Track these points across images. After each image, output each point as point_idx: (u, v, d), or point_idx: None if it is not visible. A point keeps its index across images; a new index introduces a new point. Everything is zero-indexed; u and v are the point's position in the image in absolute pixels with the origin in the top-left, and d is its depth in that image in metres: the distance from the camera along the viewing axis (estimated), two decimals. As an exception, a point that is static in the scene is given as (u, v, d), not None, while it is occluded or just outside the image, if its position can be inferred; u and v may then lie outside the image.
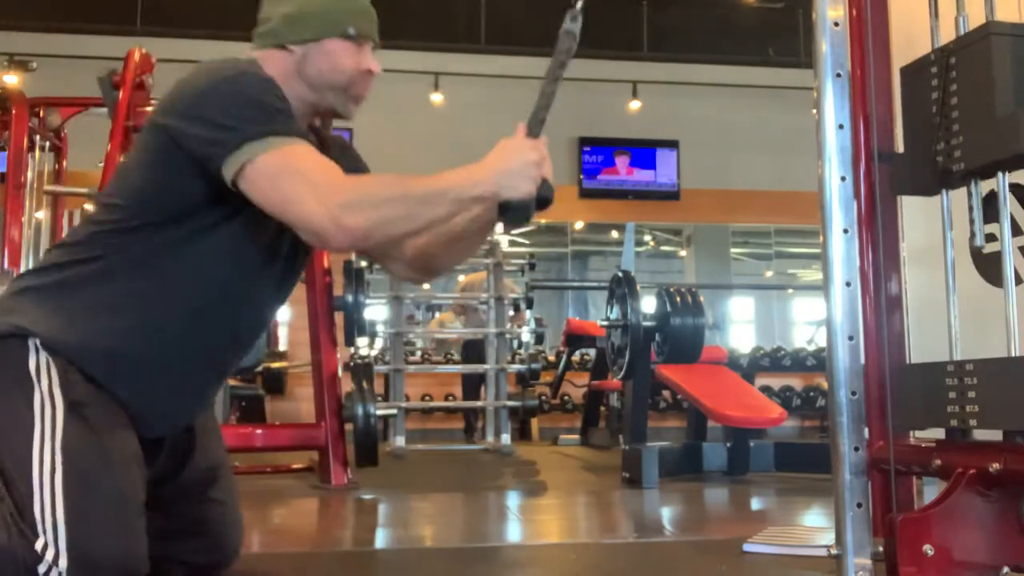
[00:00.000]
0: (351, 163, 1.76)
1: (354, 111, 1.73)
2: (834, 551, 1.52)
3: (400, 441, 5.55)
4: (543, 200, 1.54)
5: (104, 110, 4.17)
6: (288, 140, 1.48)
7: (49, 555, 1.36)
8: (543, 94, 1.58)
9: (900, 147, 1.82)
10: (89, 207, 5.27)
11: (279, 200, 1.46)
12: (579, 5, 1.57)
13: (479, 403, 6.30)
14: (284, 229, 1.56)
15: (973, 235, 1.62)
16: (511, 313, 6.19)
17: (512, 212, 1.52)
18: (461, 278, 7.71)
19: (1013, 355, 1.53)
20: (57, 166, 6.25)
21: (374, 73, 1.70)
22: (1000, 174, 1.55)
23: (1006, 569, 1.48)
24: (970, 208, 1.61)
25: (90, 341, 1.53)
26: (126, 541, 1.41)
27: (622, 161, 10.32)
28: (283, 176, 1.45)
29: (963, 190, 1.65)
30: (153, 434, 1.63)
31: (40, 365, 1.49)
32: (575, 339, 7.27)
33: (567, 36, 1.57)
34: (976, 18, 1.66)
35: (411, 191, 1.49)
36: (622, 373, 4.32)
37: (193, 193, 1.53)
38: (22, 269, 5.33)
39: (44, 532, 1.37)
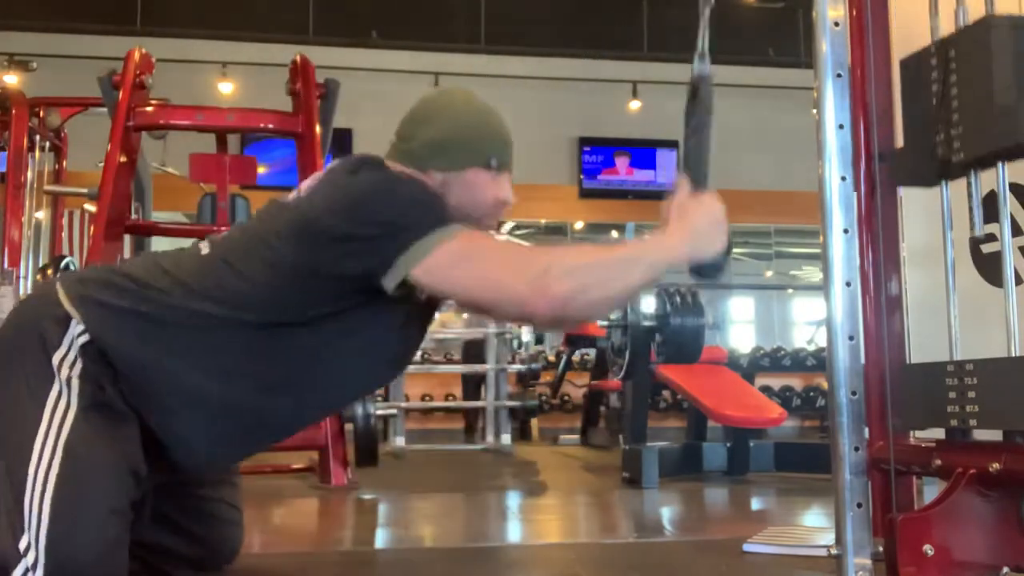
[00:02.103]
0: None
1: None
2: (834, 551, 1.52)
3: (400, 441, 5.55)
4: (729, 246, 1.54)
5: (104, 110, 4.17)
6: (462, 228, 1.47)
7: (30, 557, 1.36)
8: (698, 144, 1.55)
9: (900, 143, 1.82)
10: (89, 207, 5.27)
11: (474, 283, 1.45)
12: (703, 45, 1.53)
13: (479, 403, 6.30)
14: (420, 318, 1.58)
15: (972, 227, 1.62)
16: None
17: (706, 270, 1.52)
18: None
19: (1013, 355, 1.53)
20: (57, 166, 6.25)
21: (509, 204, 1.69)
22: (1000, 166, 1.55)
23: (1006, 569, 1.48)
24: (969, 197, 1.61)
25: (171, 379, 1.51)
26: (105, 549, 1.40)
27: (622, 161, 10.33)
28: (473, 259, 1.44)
29: (963, 191, 1.65)
30: (182, 468, 1.62)
31: (67, 359, 1.48)
32: (575, 339, 7.27)
33: (703, 81, 1.54)
34: (976, 12, 1.66)
35: (609, 258, 1.48)
36: (622, 373, 4.32)
37: (331, 295, 1.51)
38: (22, 269, 5.34)
39: (29, 529, 1.37)
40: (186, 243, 1.80)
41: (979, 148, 1.54)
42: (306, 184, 1.60)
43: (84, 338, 1.50)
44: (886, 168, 1.80)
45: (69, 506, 1.39)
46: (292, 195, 1.61)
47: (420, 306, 1.61)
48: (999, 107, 1.49)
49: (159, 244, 4.91)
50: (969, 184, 1.61)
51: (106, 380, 1.50)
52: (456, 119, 1.66)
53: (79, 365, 1.48)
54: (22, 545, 1.36)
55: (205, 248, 1.62)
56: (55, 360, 1.48)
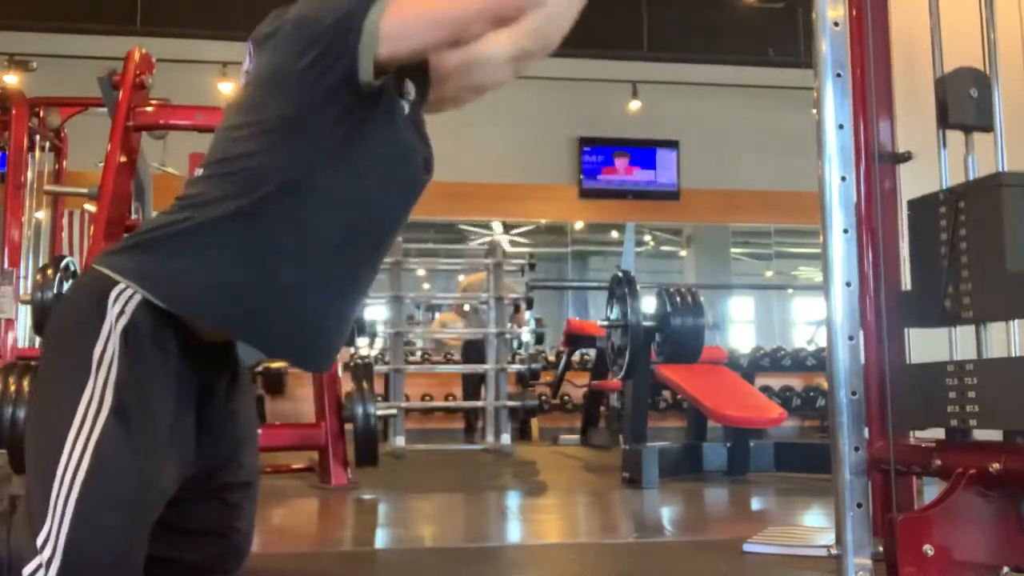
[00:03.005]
0: None
1: None
2: (834, 551, 1.52)
3: (400, 441, 5.55)
4: None
5: (104, 110, 4.17)
6: None
7: (46, 553, 1.36)
8: None
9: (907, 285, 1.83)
10: (90, 207, 5.27)
11: (427, 20, 1.48)
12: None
13: (479, 403, 6.30)
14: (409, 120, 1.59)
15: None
16: (511, 313, 6.19)
17: None
18: (461, 279, 7.71)
19: (1013, 355, 1.53)
20: (57, 166, 6.25)
21: None
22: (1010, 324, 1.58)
23: (1006, 569, 1.48)
24: (977, 344, 1.62)
25: (226, 278, 1.51)
26: (122, 554, 1.41)
27: (622, 161, 10.32)
28: (416, 3, 1.48)
29: (961, 180, 1.65)
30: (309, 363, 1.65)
31: (107, 352, 1.47)
32: (575, 339, 7.27)
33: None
34: (973, 19, 1.66)
35: None
36: (622, 373, 4.32)
37: (328, 120, 1.52)
38: (22, 269, 5.34)
39: (51, 526, 1.37)
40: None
41: (990, 313, 1.55)
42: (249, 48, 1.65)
43: (132, 306, 1.48)
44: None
45: (93, 508, 1.39)
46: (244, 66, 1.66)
47: (411, 112, 1.63)
48: (1011, 274, 1.49)
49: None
50: (978, 334, 1.62)
51: (145, 369, 1.48)
52: None
53: (117, 358, 1.46)
54: (39, 540, 1.36)
55: (199, 171, 1.64)
56: (96, 352, 1.46)
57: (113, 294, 1.50)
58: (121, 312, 1.49)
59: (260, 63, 1.59)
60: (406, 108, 1.62)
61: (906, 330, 1.86)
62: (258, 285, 1.53)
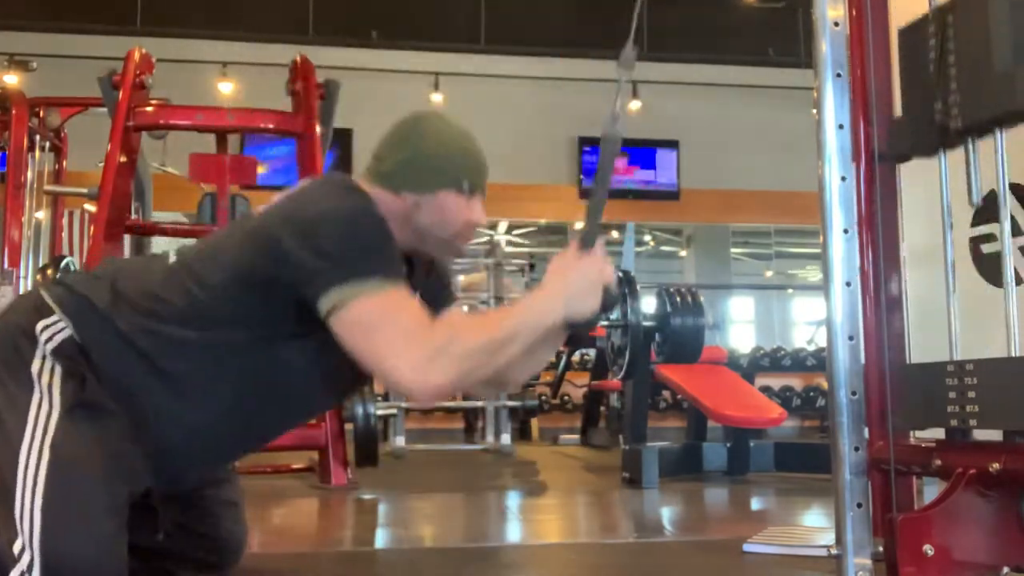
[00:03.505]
0: (439, 282, 1.80)
1: (452, 259, 1.78)
2: (834, 551, 1.52)
3: (400, 441, 5.55)
4: (609, 305, 1.57)
5: (104, 110, 4.17)
6: (387, 286, 1.48)
7: (24, 560, 1.35)
8: (593, 205, 1.58)
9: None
10: (89, 207, 5.27)
11: (368, 351, 1.46)
12: (617, 106, 1.55)
13: (479, 403, 6.30)
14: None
15: (970, 195, 1.61)
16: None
17: (579, 327, 1.56)
18: (461, 279, 7.71)
19: (1013, 355, 1.53)
20: (57, 166, 6.25)
21: (480, 226, 1.72)
22: (997, 132, 1.55)
23: (1006, 569, 1.48)
24: (967, 164, 1.60)
25: (136, 382, 1.53)
26: (101, 546, 1.40)
27: (621, 161, 10.32)
28: (376, 329, 1.45)
29: (963, 190, 1.65)
30: (161, 485, 1.63)
31: (45, 367, 1.49)
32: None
33: (610, 142, 1.55)
34: None
35: (493, 338, 1.50)
36: (622, 373, 4.32)
37: (283, 308, 1.53)
38: (22, 269, 5.34)
39: (22, 533, 1.37)
40: (186, 243, 1.81)
41: (977, 114, 1.53)
42: (276, 198, 1.62)
43: (61, 336, 1.51)
44: (884, 134, 1.79)
45: (61, 506, 1.39)
46: (262, 208, 1.64)
47: None
48: (997, 73, 1.48)
49: (159, 244, 4.91)
50: (967, 152, 1.60)
51: (90, 379, 1.50)
52: (429, 142, 1.67)
53: (58, 369, 1.49)
54: (16, 548, 1.36)
55: (172, 258, 1.65)
56: (33, 369, 1.49)
57: (43, 323, 1.52)
58: (50, 339, 1.52)
59: (274, 212, 1.57)
60: None
61: (906, 330, 1.86)
62: (158, 408, 1.54)
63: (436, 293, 1.74)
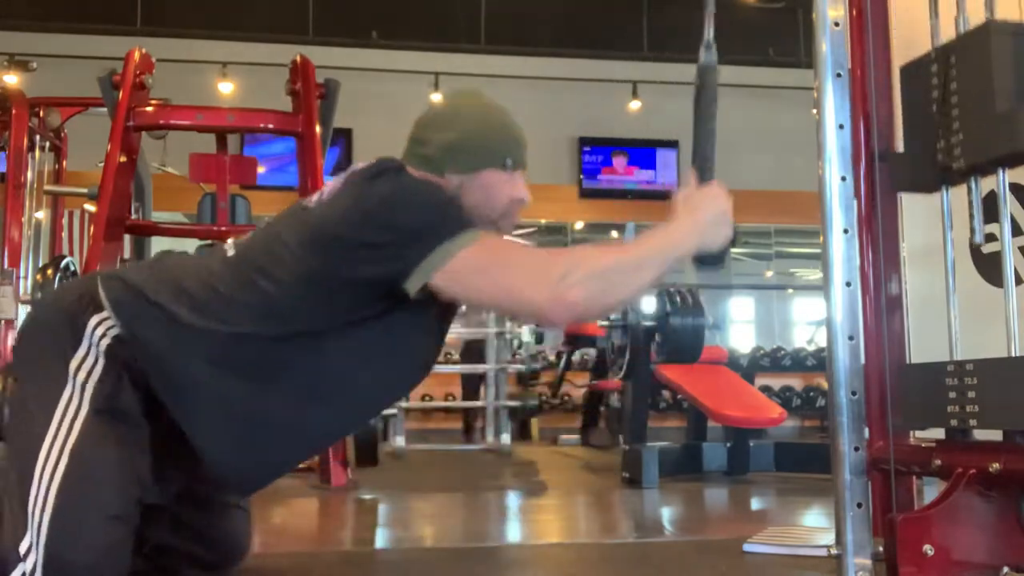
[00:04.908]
0: None
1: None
2: (834, 551, 1.52)
3: (400, 441, 5.55)
4: (734, 241, 1.58)
5: (104, 110, 4.17)
6: (481, 233, 1.48)
7: (29, 561, 1.36)
8: (704, 136, 1.59)
9: (900, 147, 1.82)
10: (89, 207, 5.27)
11: (493, 290, 1.46)
12: (709, 35, 1.55)
13: (479, 403, 6.30)
14: (442, 319, 1.61)
15: (973, 232, 1.62)
16: (511, 313, 6.19)
17: (710, 260, 1.57)
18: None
19: (1013, 355, 1.53)
20: (57, 166, 6.25)
21: (525, 204, 1.70)
22: (1000, 171, 1.56)
23: (1006, 569, 1.48)
24: (970, 204, 1.61)
25: (200, 379, 1.51)
26: (103, 554, 1.40)
27: (621, 161, 10.33)
28: (492, 267, 1.45)
29: (963, 190, 1.65)
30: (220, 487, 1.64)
31: (85, 363, 1.48)
32: (575, 339, 7.27)
33: (709, 71, 1.57)
34: (976, 19, 1.66)
35: (623, 259, 1.49)
36: (622, 373, 4.32)
37: (353, 299, 1.51)
38: (22, 269, 5.34)
39: (31, 531, 1.37)
40: (186, 243, 1.80)
41: (979, 155, 1.54)
42: (328, 187, 1.59)
43: (112, 335, 1.50)
44: (886, 168, 1.80)
45: (71, 510, 1.39)
46: (315, 197, 1.60)
47: (441, 307, 1.62)
48: (999, 114, 1.49)
49: (159, 244, 4.91)
50: (970, 190, 1.61)
51: (126, 385, 1.49)
52: (469, 121, 1.66)
53: (97, 368, 1.48)
54: (23, 548, 1.36)
55: (231, 251, 1.62)
56: (72, 364, 1.48)
57: (99, 316, 1.51)
58: (103, 335, 1.51)
59: (335, 207, 1.53)
60: (434, 310, 1.60)
61: (906, 330, 1.86)
62: (222, 410, 1.53)
63: None
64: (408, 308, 1.51)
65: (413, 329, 1.58)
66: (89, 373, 1.48)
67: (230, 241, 1.66)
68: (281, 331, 1.51)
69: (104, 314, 1.52)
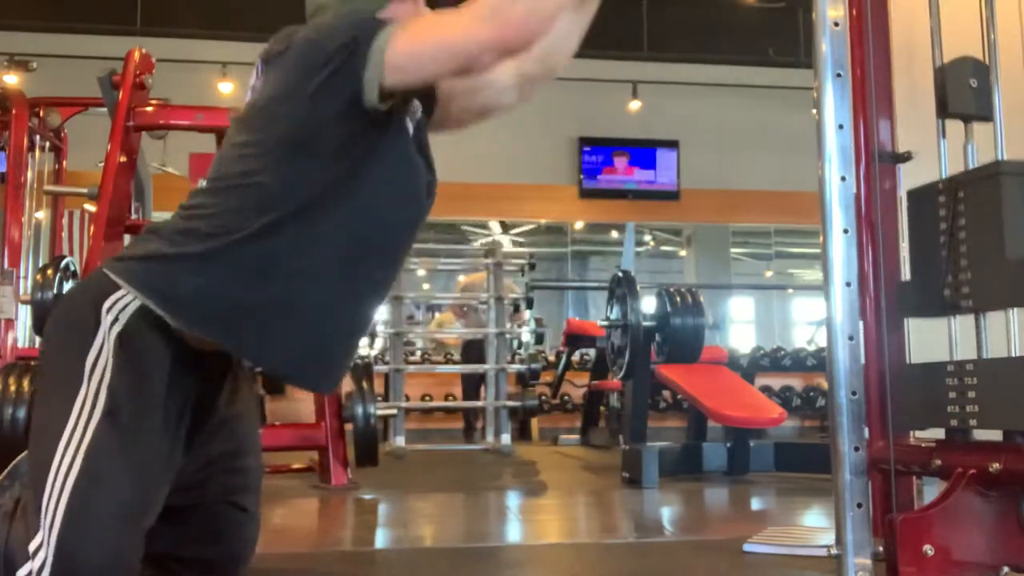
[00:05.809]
0: None
1: None
2: (834, 551, 1.52)
3: (400, 441, 5.55)
4: None
5: (104, 110, 4.17)
6: (398, 22, 1.51)
7: (38, 560, 1.36)
8: None
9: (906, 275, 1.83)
10: (89, 207, 5.27)
11: (442, 54, 1.48)
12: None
13: (479, 403, 6.30)
14: (421, 151, 1.62)
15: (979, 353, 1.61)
16: (511, 313, 6.19)
17: None
18: (461, 278, 7.71)
19: (1013, 355, 1.53)
20: (57, 166, 6.24)
21: None
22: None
23: (1006, 569, 1.48)
24: (977, 332, 1.61)
25: (233, 297, 1.52)
26: (113, 557, 1.39)
27: (622, 161, 10.32)
28: (428, 35, 1.49)
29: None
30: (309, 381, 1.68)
31: (100, 359, 1.48)
32: (575, 339, 7.27)
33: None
34: (973, 23, 1.66)
35: None
36: (622, 373, 4.32)
37: (336, 144, 1.53)
38: (22, 269, 5.34)
39: (43, 530, 1.37)
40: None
41: (990, 301, 1.55)
42: (252, 79, 1.67)
43: (128, 311, 1.50)
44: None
45: (83, 511, 1.38)
46: (246, 98, 1.66)
47: (418, 139, 1.65)
48: (1009, 260, 1.48)
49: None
50: (978, 326, 1.62)
51: (145, 371, 1.49)
52: None
53: (112, 363, 1.47)
54: (33, 546, 1.36)
55: (203, 183, 1.64)
56: (88, 360, 1.47)
57: (110, 300, 1.51)
58: (115, 320, 1.50)
59: (268, 81, 1.60)
60: (411, 128, 1.63)
61: (906, 330, 1.86)
62: (266, 304, 1.54)
63: None
64: (386, 141, 1.55)
65: (400, 158, 1.60)
66: (104, 369, 1.47)
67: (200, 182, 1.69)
68: (291, 207, 1.52)
69: (117, 295, 1.51)
